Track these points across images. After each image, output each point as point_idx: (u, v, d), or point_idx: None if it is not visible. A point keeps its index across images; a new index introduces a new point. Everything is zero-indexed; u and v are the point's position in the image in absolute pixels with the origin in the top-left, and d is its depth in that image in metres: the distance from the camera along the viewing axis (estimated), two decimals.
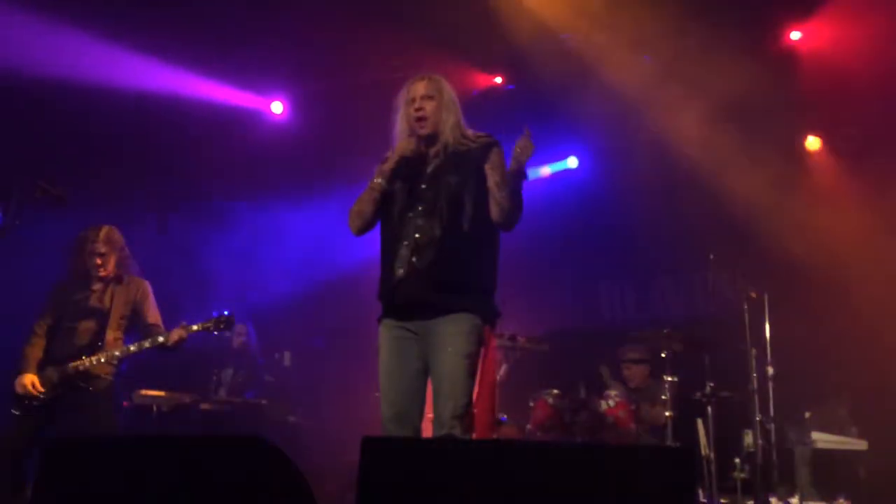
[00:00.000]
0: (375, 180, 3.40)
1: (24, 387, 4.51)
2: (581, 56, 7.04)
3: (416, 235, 3.27)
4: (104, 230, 4.80)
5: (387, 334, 3.33)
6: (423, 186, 3.35)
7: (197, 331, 4.69)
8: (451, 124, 3.39)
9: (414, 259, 3.24)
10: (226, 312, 4.73)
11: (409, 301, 3.26)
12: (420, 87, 3.41)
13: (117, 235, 4.84)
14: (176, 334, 4.64)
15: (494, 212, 3.32)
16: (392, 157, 3.39)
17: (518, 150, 3.28)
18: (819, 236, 6.29)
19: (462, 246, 3.27)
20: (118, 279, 4.83)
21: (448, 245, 3.24)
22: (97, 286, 4.79)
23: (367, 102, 6.40)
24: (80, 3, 6.11)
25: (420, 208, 3.31)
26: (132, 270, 4.89)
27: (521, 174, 3.31)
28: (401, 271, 3.26)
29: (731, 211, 6.63)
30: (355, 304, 6.65)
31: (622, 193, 7.22)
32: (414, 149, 3.37)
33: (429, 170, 3.39)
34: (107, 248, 4.77)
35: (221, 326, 4.72)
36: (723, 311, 6.02)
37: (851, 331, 6.03)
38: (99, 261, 4.74)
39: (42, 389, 4.53)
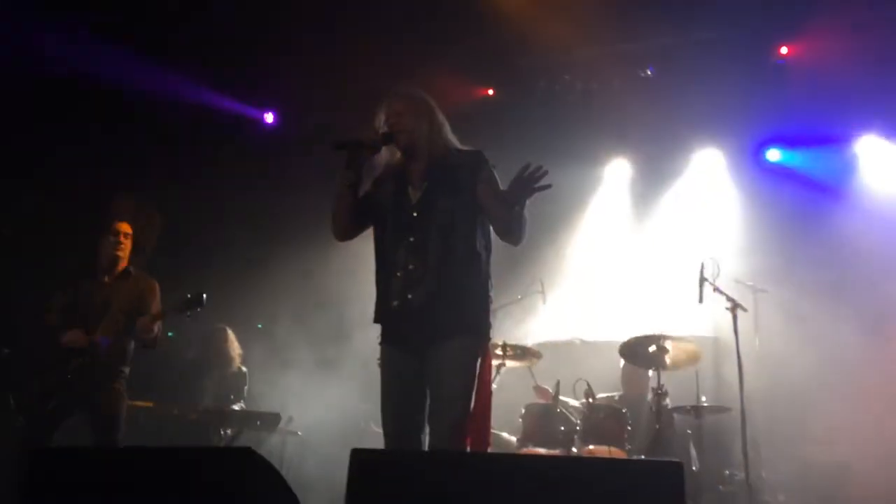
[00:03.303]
0: (341, 177, 3.36)
1: (72, 340, 4.51)
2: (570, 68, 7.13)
3: (410, 267, 3.25)
4: (125, 224, 4.81)
5: (387, 354, 3.35)
6: (415, 214, 3.32)
7: (168, 315, 4.63)
8: (424, 134, 3.37)
9: (409, 295, 3.23)
10: (197, 293, 4.61)
11: (406, 334, 3.28)
12: (391, 105, 3.41)
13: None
14: (140, 323, 4.56)
15: (500, 231, 3.33)
16: (350, 141, 3.31)
17: (516, 191, 3.13)
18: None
19: (455, 274, 3.25)
20: (125, 274, 4.81)
21: (441, 276, 3.23)
22: (107, 279, 4.76)
23: (358, 113, 6.45)
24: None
25: (412, 239, 3.28)
26: (140, 267, 4.89)
27: (522, 205, 3.21)
28: (395, 303, 3.27)
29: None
30: (348, 314, 6.72)
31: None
32: (373, 137, 3.34)
33: (418, 195, 3.36)
34: (127, 245, 4.77)
35: (192, 305, 4.60)
36: (714, 325, 6.06)
37: (839, 344, 6.06)
38: (118, 252, 4.74)
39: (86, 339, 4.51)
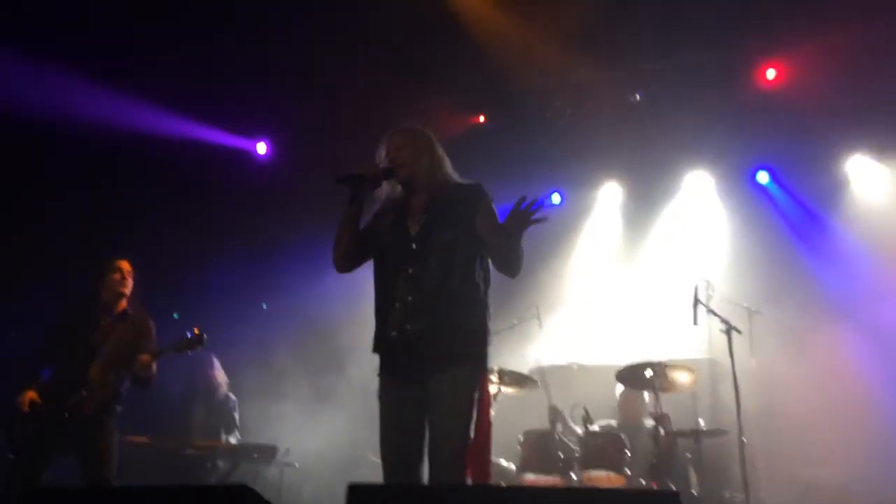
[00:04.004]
0: (343, 211, 3.41)
1: (23, 403, 4.46)
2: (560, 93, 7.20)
3: (409, 298, 3.28)
4: (126, 263, 4.81)
5: (385, 385, 3.36)
6: (414, 246, 3.36)
7: (168, 353, 4.61)
8: (425, 168, 3.43)
9: (407, 325, 3.26)
10: (196, 331, 4.62)
11: (404, 364, 3.29)
12: (392, 140, 3.47)
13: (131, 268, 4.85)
14: (139, 360, 4.53)
15: (498, 264, 3.38)
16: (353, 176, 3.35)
17: (513, 223, 3.19)
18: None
19: (454, 306, 3.28)
20: (124, 315, 4.80)
21: (440, 308, 3.25)
22: (104, 320, 4.74)
23: (348, 143, 6.54)
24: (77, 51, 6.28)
25: (411, 271, 3.31)
26: (136, 306, 4.88)
27: (518, 236, 3.27)
28: (394, 334, 3.29)
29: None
30: (342, 346, 6.70)
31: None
32: (374, 171, 3.39)
33: (418, 227, 3.40)
34: (130, 283, 4.78)
35: (194, 344, 4.61)
36: (709, 346, 6.06)
37: (836, 364, 6.07)
38: (122, 289, 4.74)
39: (39, 402, 4.48)
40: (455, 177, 3.52)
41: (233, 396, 6.64)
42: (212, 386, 6.55)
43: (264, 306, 7.28)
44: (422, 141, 3.49)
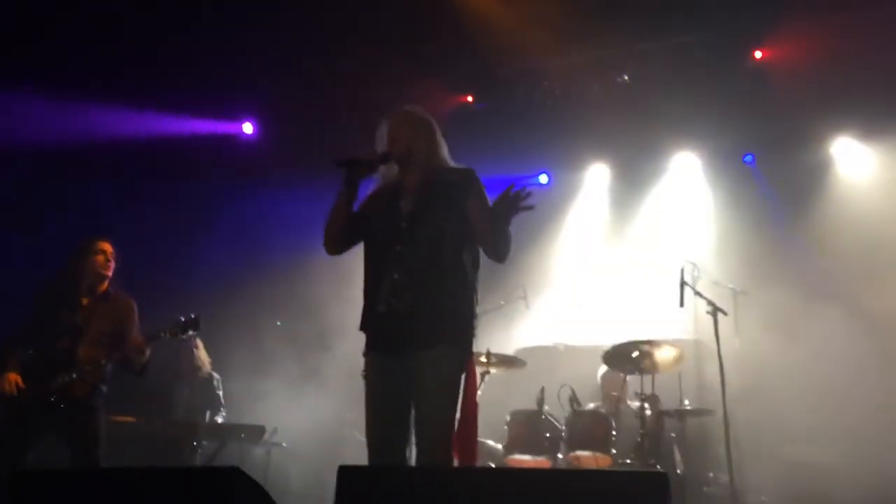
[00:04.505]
0: (339, 194, 3.42)
1: (8, 384, 4.40)
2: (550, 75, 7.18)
3: (396, 276, 3.30)
4: (108, 244, 4.77)
5: (372, 365, 3.37)
6: (404, 224, 3.38)
7: (162, 337, 4.58)
8: (422, 149, 3.46)
9: (394, 300, 3.28)
10: (192, 315, 4.60)
11: (390, 339, 3.31)
12: (394, 118, 3.52)
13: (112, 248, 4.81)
14: (132, 343, 4.51)
15: (486, 249, 3.41)
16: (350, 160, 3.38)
17: (501, 206, 3.24)
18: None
19: (442, 284, 3.30)
20: (106, 296, 4.76)
21: (428, 286, 3.28)
22: (85, 301, 4.70)
23: (336, 122, 6.51)
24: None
25: (399, 248, 3.34)
26: (117, 287, 4.84)
27: (506, 221, 3.31)
28: (382, 308, 3.31)
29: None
30: (332, 324, 6.70)
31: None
32: (372, 156, 3.42)
33: (409, 206, 3.42)
34: (112, 265, 4.74)
35: (186, 328, 4.59)
36: (695, 327, 6.11)
37: (819, 344, 6.13)
38: (106, 272, 4.70)
39: (22, 386, 4.42)
40: (451, 163, 3.55)
41: (216, 375, 6.63)
42: (195, 366, 6.54)
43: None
44: (422, 123, 3.53)
